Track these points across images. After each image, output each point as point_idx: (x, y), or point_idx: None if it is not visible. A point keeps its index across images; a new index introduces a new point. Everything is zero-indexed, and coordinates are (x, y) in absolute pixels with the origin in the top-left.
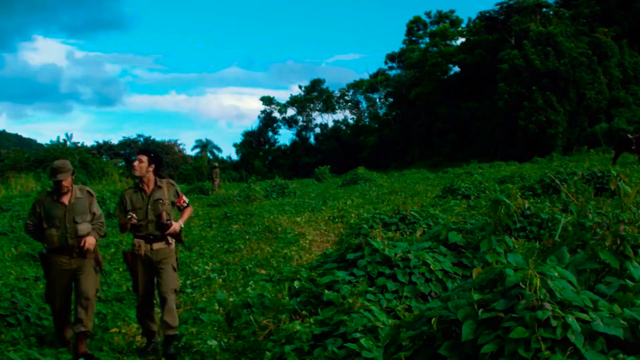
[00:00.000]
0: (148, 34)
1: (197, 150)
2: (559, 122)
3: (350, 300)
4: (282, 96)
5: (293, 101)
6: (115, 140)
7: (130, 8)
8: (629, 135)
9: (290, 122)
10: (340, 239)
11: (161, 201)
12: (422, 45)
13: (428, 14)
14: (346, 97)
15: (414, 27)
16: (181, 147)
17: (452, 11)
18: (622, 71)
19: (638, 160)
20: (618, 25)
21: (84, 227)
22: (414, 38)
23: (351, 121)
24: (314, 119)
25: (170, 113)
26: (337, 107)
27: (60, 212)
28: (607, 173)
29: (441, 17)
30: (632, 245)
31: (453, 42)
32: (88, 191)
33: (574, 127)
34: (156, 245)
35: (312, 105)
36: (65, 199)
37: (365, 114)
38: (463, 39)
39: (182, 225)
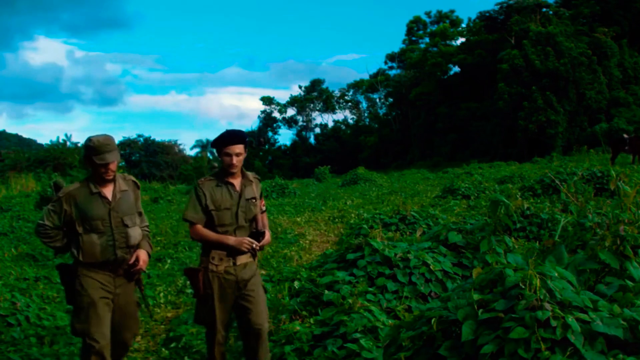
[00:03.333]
0: (149, 33)
1: (197, 150)
2: (559, 122)
3: (350, 301)
4: (283, 96)
5: (293, 101)
6: (115, 140)
7: (132, 7)
8: (625, 136)
9: (290, 122)
10: (340, 239)
11: (254, 201)
12: (422, 45)
13: (428, 14)
14: (346, 97)
15: (414, 27)
16: (181, 147)
17: (452, 11)
18: (622, 71)
19: (633, 160)
20: (618, 25)
21: (136, 234)
22: (414, 38)
23: (351, 121)
24: (314, 119)
25: (170, 113)
26: (337, 107)
27: (103, 211)
28: (606, 173)
29: (441, 17)
30: (632, 246)
31: (453, 42)
32: (134, 181)
33: (574, 127)
34: (241, 260)
35: (312, 105)
36: (109, 192)
37: (365, 114)
38: (463, 39)
39: (269, 236)
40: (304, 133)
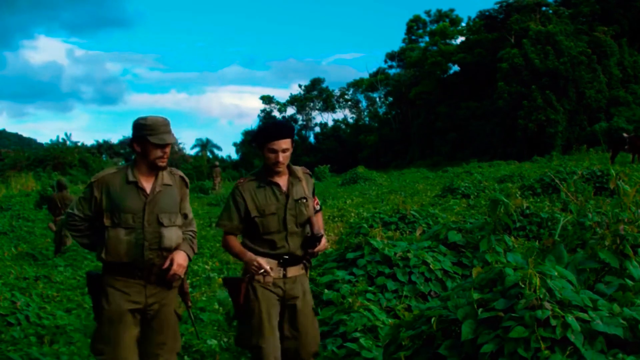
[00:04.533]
0: (149, 32)
1: (197, 149)
2: (559, 121)
3: (349, 300)
4: (283, 95)
5: (293, 100)
6: (115, 139)
7: (133, 6)
8: (624, 135)
9: (290, 122)
10: (340, 238)
11: (304, 201)
12: (422, 44)
13: (428, 12)
14: (346, 96)
15: (414, 25)
16: (181, 146)
17: (452, 10)
18: (621, 70)
19: (633, 160)
20: (618, 24)
21: (172, 235)
22: (413, 37)
23: (351, 120)
24: (314, 118)
25: (170, 112)
26: (337, 106)
27: (138, 204)
28: (606, 172)
29: (441, 16)
30: (631, 245)
31: (453, 41)
32: (181, 177)
33: (574, 126)
34: (292, 271)
35: (312, 104)
36: (148, 183)
37: (365, 113)
38: (463, 38)
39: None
40: (303, 132)
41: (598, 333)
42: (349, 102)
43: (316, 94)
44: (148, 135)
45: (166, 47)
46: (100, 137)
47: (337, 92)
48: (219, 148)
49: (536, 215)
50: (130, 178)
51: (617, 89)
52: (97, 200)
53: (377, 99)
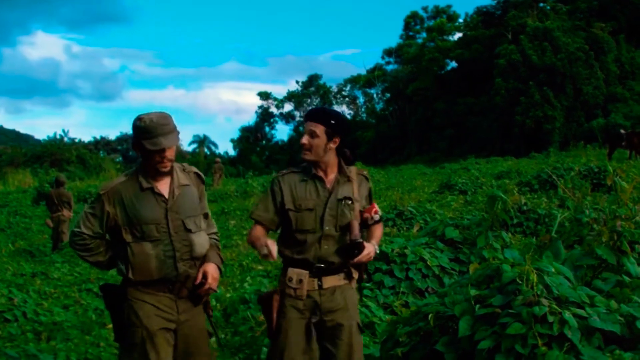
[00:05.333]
0: (148, 28)
1: (195, 145)
2: (556, 118)
3: None
4: (281, 91)
5: (290, 96)
6: (112, 135)
7: (131, 2)
8: (622, 131)
9: (287, 118)
10: None
11: (349, 202)
12: (419, 40)
13: (425, 8)
14: (343, 93)
15: (411, 22)
16: (179, 142)
17: (449, 6)
18: (619, 66)
19: (630, 156)
20: (615, 20)
21: (202, 241)
22: (411, 33)
23: (348, 116)
24: None
25: (168, 108)
26: (334, 102)
27: (158, 212)
28: (603, 169)
29: (438, 12)
30: (628, 241)
31: (450, 37)
32: (196, 174)
33: (571, 122)
34: (330, 281)
35: (309, 100)
36: (164, 187)
37: (363, 109)
38: (460, 34)
39: (377, 250)
40: (301, 128)
41: (595, 329)
42: (347, 99)
43: (313, 90)
44: (143, 140)
45: (164, 43)
46: (98, 134)
47: (334, 88)
48: (215, 145)
49: (533, 212)
50: (145, 185)
51: (615, 85)
52: (109, 215)
53: (375, 95)
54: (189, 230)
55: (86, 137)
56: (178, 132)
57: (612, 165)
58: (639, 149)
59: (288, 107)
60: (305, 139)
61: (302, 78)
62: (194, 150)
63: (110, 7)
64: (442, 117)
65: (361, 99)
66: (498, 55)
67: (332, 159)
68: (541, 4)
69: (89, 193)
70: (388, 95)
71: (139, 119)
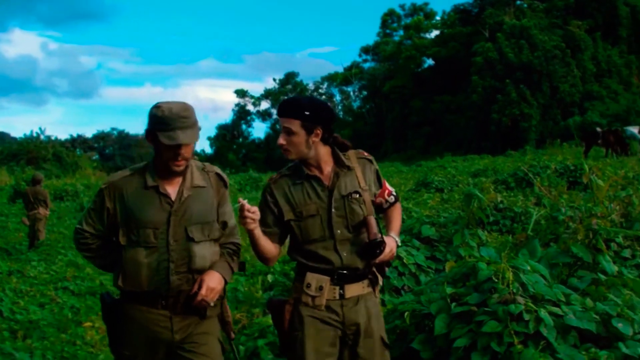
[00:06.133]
0: (125, 26)
1: None
2: (532, 116)
3: None
4: (258, 88)
5: (267, 94)
6: (89, 133)
7: None
8: (598, 129)
9: (264, 115)
10: None
11: (357, 196)
12: (396, 38)
13: (402, 6)
14: (320, 90)
15: (388, 19)
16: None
17: (427, 4)
18: (595, 64)
19: (606, 154)
20: (592, 19)
21: (205, 253)
22: (388, 31)
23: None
24: None
25: (145, 106)
26: None
27: (160, 215)
28: (579, 167)
29: (415, 9)
30: (604, 239)
31: (427, 35)
32: (218, 175)
33: (547, 120)
34: (353, 290)
35: (286, 98)
36: (172, 187)
37: (339, 107)
38: (437, 32)
39: (399, 241)
40: (278, 126)
41: (571, 327)
42: (323, 96)
43: (290, 87)
44: (158, 131)
45: (142, 41)
46: (75, 131)
47: (311, 86)
48: None
49: (510, 210)
50: (150, 182)
51: (591, 83)
52: (109, 211)
53: (351, 93)
54: (191, 240)
55: (63, 135)
56: (199, 128)
57: (588, 164)
58: (615, 147)
59: (265, 104)
60: (281, 139)
61: (280, 75)
62: None
63: (87, 5)
64: (418, 115)
65: (338, 97)
66: (475, 53)
67: (322, 151)
68: (518, 2)
69: (65, 191)
70: (365, 93)
71: (156, 106)
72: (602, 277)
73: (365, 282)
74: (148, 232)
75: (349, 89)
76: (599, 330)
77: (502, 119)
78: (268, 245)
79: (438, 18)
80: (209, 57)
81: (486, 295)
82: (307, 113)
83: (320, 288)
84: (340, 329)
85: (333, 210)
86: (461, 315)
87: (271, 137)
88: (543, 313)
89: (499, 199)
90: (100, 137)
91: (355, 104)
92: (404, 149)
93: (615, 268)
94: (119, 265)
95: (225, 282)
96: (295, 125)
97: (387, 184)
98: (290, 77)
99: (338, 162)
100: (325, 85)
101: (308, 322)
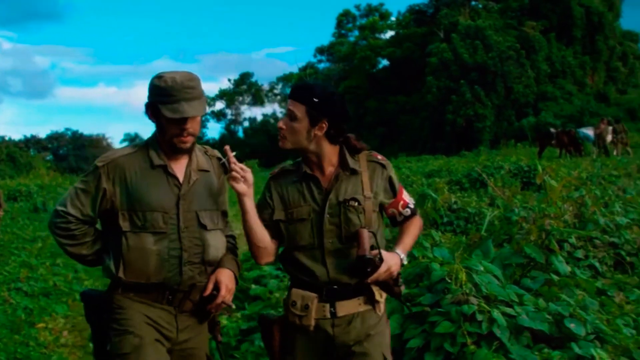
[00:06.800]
0: (79, 25)
1: (126, 144)
2: (487, 116)
3: (277, 295)
4: (213, 89)
5: (222, 94)
6: (42, 133)
7: None
8: (552, 130)
9: (219, 116)
10: None
11: (355, 204)
12: (352, 39)
13: (358, 7)
14: (275, 91)
15: (344, 20)
16: (109, 140)
17: (382, 4)
18: (549, 65)
19: (560, 155)
20: (546, 19)
21: (218, 243)
22: (343, 31)
23: (280, 115)
24: (243, 113)
25: (100, 106)
26: (266, 100)
27: (169, 197)
28: (533, 167)
29: (370, 10)
30: (557, 240)
31: (382, 36)
32: (219, 159)
33: (502, 121)
34: (345, 308)
35: (240, 98)
36: (180, 168)
37: None
38: (392, 33)
39: (405, 260)
40: (232, 127)
41: (524, 328)
42: (278, 97)
43: (245, 88)
44: (160, 104)
45: (96, 41)
46: (28, 132)
47: (266, 87)
48: None
49: (463, 210)
50: (157, 161)
51: (545, 84)
52: (106, 194)
53: None
54: (204, 227)
55: (16, 135)
56: (206, 100)
57: (542, 164)
58: (569, 147)
59: (220, 105)
60: (282, 122)
61: (235, 76)
62: None
63: (42, 4)
64: (373, 116)
65: None
66: (430, 54)
67: (326, 148)
68: (473, 3)
69: (19, 192)
70: None
71: (158, 77)
72: (555, 277)
73: (362, 298)
74: (157, 216)
75: None
76: (552, 330)
77: (456, 119)
78: (261, 230)
79: (393, 19)
80: (163, 56)
81: (439, 295)
82: (315, 100)
83: (306, 307)
84: (332, 347)
85: (326, 215)
86: (414, 316)
87: (225, 138)
88: (496, 313)
89: (453, 199)
90: (54, 137)
91: None
92: None
93: (568, 268)
94: (114, 253)
95: (236, 282)
96: (300, 111)
97: (404, 194)
98: (245, 78)
99: (343, 164)
100: (280, 86)
101: (298, 342)
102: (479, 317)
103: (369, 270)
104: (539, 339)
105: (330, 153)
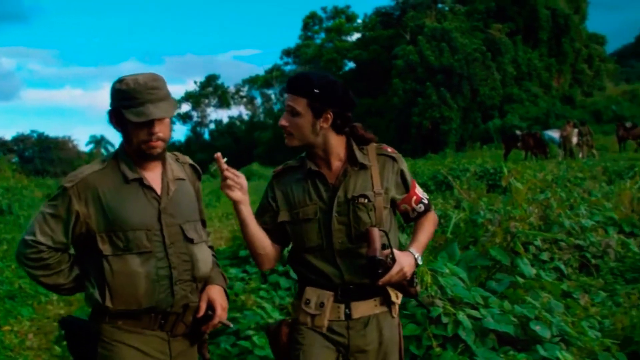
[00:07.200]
0: (46, 27)
1: (92, 146)
2: (453, 119)
3: (243, 298)
4: (179, 91)
5: (188, 96)
6: (8, 135)
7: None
8: (517, 132)
9: (184, 118)
10: (234, 235)
11: (366, 200)
12: (318, 41)
13: (324, 9)
14: (241, 93)
15: (310, 22)
16: (75, 142)
17: (348, 7)
18: (515, 67)
19: (525, 157)
20: (512, 22)
21: (206, 257)
22: (309, 33)
23: (246, 117)
24: (209, 115)
25: (66, 108)
26: (232, 102)
27: (149, 213)
28: (499, 170)
29: (337, 12)
30: (522, 242)
31: (348, 38)
32: (192, 167)
33: (468, 123)
34: (361, 309)
35: (207, 100)
36: (155, 178)
37: (261, 110)
38: (358, 35)
39: (420, 260)
40: (198, 129)
41: (489, 330)
42: (244, 99)
43: (211, 90)
44: (124, 108)
45: (63, 42)
46: None
47: (232, 89)
48: (112, 145)
49: None
50: (130, 175)
51: (511, 86)
52: (79, 217)
53: (273, 96)
54: (190, 241)
55: None
56: (174, 101)
57: (508, 167)
58: (534, 150)
59: (185, 107)
60: (283, 120)
61: (201, 78)
62: (90, 150)
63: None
64: None
65: (259, 100)
66: (396, 56)
67: (333, 142)
68: (439, 5)
69: None
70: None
71: (119, 80)
72: (520, 280)
73: (378, 299)
74: (140, 235)
75: (270, 91)
76: (517, 333)
77: (422, 121)
78: (261, 235)
79: (360, 21)
80: (130, 58)
81: (405, 298)
82: (316, 91)
83: (322, 305)
84: (344, 355)
85: (334, 214)
86: None
87: (191, 140)
88: (461, 316)
89: None
90: (20, 139)
91: (277, 107)
92: None
93: (533, 271)
94: (97, 280)
95: (227, 296)
96: (301, 105)
97: (417, 189)
98: (211, 80)
99: (350, 157)
100: (246, 88)
101: (308, 344)
102: (445, 319)
103: (380, 271)
104: (504, 342)
105: (338, 146)
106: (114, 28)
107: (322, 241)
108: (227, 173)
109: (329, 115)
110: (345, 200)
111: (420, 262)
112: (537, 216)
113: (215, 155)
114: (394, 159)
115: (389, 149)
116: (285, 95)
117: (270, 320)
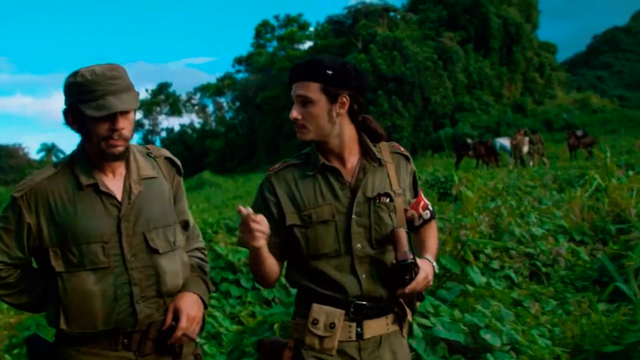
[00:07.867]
0: None
1: (43, 154)
2: (404, 127)
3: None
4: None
5: (139, 104)
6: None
7: None
8: (468, 141)
9: (136, 126)
10: None
11: (388, 200)
12: (270, 49)
13: (277, 17)
14: (193, 101)
15: (262, 30)
16: (26, 150)
17: (300, 15)
18: (467, 76)
19: (477, 165)
20: (464, 30)
21: (176, 267)
22: (262, 42)
23: (198, 125)
24: (160, 123)
25: (16, 116)
26: (184, 110)
27: (107, 222)
28: (450, 178)
29: (289, 20)
30: (473, 250)
31: (301, 46)
32: (169, 160)
33: (419, 131)
34: (374, 328)
35: (158, 109)
36: (115, 183)
37: (212, 118)
38: (311, 43)
39: (436, 267)
40: (150, 137)
41: (440, 339)
42: (196, 107)
43: (163, 98)
44: (81, 103)
45: (14, 49)
46: None
47: (184, 97)
48: (64, 153)
49: None
50: (85, 180)
51: (463, 94)
52: (31, 228)
53: (225, 104)
54: (155, 251)
55: None
56: (137, 93)
57: (459, 175)
58: (485, 158)
59: (137, 115)
60: (295, 112)
61: (154, 86)
62: (42, 158)
63: None
64: (291, 126)
65: (211, 108)
66: None
67: (347, 132)
68: (391, 14)
69: None
70: (238, 103)
71: (73, 74)
72: (471, 288)
73: (390, 317)
74: (94, 249)
75: (222, 99)
76: (468, 341)
77: None
78: (272, 262)
79: (312, 29)
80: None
81: None
82: (329, 72)
83: (332, 326)
84: None
85: (354, 216)
86: None
87: None
88: (412, 325)
89: None
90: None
91: (228, 115)
92: (276, 159)
93: (484, 279)
94: (54, 299)
95: (205, 306)
96: (314, 91)
97: (423, 195)
98: (163, 88)
99: (367, 152)
100: (198, 96)
101: None
102: None
103: (408, 277)
104: (454, 350)
105: (352, 138)
106: (65, 35)
107: (339, 246)
108: (254, 225)
109: (345, 99)
110: (366, 200)
111: (437, 270)
112: (488, 224)
113: (239, 208)
114: (407, 159)
115: (402, 148)
116: (293, 87)
117: (222, 330)
